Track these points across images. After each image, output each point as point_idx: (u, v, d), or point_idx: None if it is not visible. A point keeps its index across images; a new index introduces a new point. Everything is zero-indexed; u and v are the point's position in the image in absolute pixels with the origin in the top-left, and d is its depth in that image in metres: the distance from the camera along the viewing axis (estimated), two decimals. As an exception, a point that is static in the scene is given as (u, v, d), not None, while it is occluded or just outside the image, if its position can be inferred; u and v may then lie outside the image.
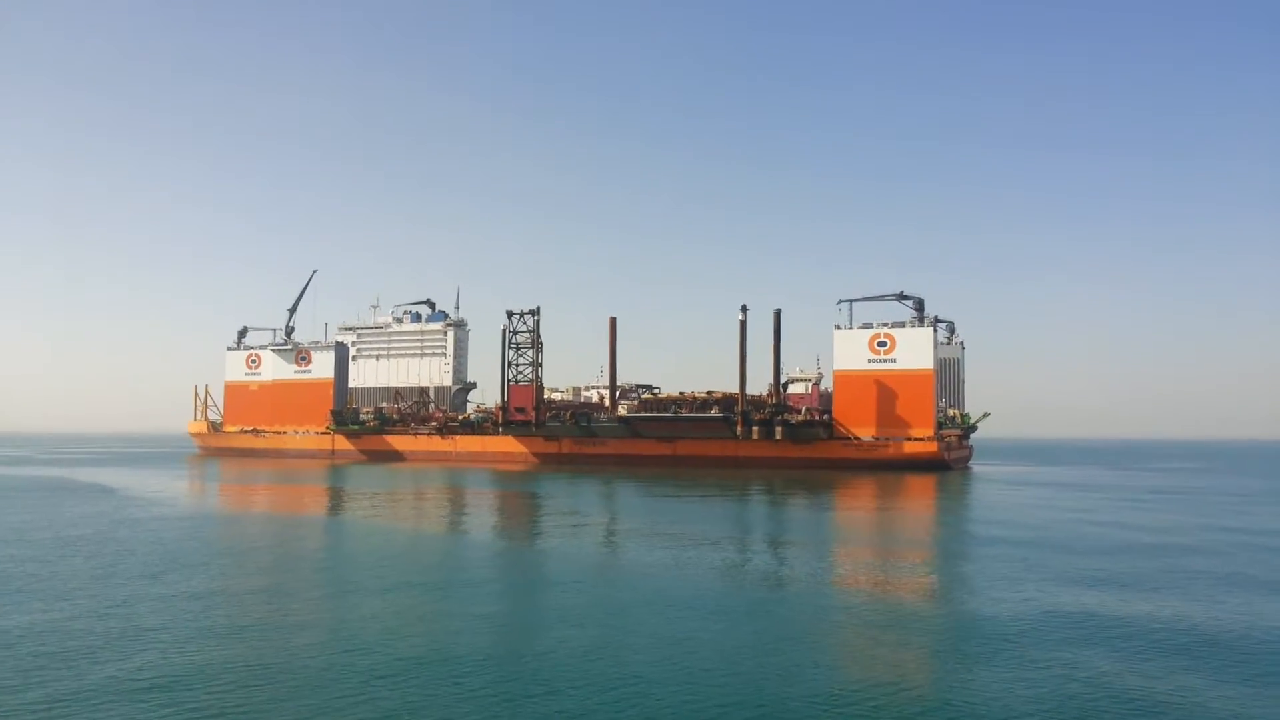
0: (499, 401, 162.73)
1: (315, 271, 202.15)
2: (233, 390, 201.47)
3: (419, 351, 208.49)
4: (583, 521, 63.11)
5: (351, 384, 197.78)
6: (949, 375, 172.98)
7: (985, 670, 24.24)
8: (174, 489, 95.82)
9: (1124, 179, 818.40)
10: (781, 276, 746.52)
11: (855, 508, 78.90)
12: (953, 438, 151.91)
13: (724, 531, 56.83)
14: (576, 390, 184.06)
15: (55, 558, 43.03)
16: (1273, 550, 50.67)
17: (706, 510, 74.14)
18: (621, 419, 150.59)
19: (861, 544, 53.61)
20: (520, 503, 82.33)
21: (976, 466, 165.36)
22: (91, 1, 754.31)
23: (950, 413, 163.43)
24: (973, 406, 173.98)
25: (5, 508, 70.33)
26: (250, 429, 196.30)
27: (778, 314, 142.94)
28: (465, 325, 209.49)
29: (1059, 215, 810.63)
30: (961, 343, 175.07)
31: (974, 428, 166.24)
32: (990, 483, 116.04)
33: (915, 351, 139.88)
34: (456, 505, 79.41)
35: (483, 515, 71.09)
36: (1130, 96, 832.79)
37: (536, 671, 23.87)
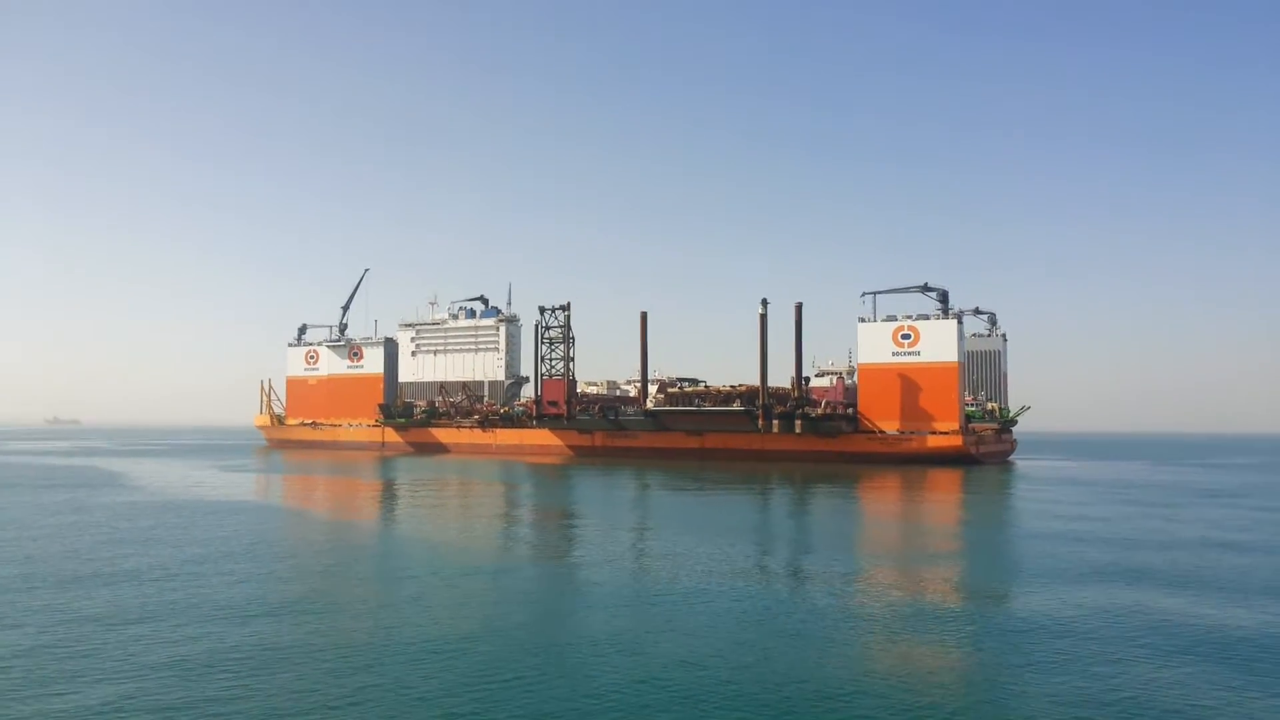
0: (532, 395, 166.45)
1: (367, 270, 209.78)
2: (293, 385, 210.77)
3: (474, 347, 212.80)
4: (601, 526, 61.79)
5: (411, 378, 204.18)
6: (990, 368, 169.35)
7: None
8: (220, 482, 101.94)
9: (1167, 172, 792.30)
10: (814, 269, 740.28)
11: (848, 509, 78.87)
12: (987, 431, 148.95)
13: (716, 540, 55.46)
14: (613, 384, 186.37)
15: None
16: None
17: (707, 510, 73.13)
18: (648, 412, 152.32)
19: (840, 552, 53.97)
20: (541, 502, 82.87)
21: (1020, 461, 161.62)
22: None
23: (989, 406, 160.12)
24: (1017, 400, 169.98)
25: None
26: (309, 422, 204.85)
27: (799, 307, 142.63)
28: (517, 320, 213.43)
29: (1107, 208, 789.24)
30: (1003, 334, 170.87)
31: (1014, 421, 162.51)
32: (1021, 480, 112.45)
33: (939, 344, 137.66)
34: (477, 504, 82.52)
35: (503, 516, 73.62)
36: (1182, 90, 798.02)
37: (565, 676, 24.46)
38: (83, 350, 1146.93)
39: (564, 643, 27.69)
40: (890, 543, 53.82)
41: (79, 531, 52.39)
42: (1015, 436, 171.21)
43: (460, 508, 71.85)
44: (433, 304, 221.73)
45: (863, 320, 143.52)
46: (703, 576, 38.36)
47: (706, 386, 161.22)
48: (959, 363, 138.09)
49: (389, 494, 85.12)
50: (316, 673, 23.92)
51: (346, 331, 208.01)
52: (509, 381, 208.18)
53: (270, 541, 49.63)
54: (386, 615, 31.00)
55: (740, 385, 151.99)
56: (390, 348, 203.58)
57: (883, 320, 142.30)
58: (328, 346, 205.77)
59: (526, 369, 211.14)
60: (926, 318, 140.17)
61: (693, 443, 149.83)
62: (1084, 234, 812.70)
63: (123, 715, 20.53)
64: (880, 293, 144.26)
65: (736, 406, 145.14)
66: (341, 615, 30.97)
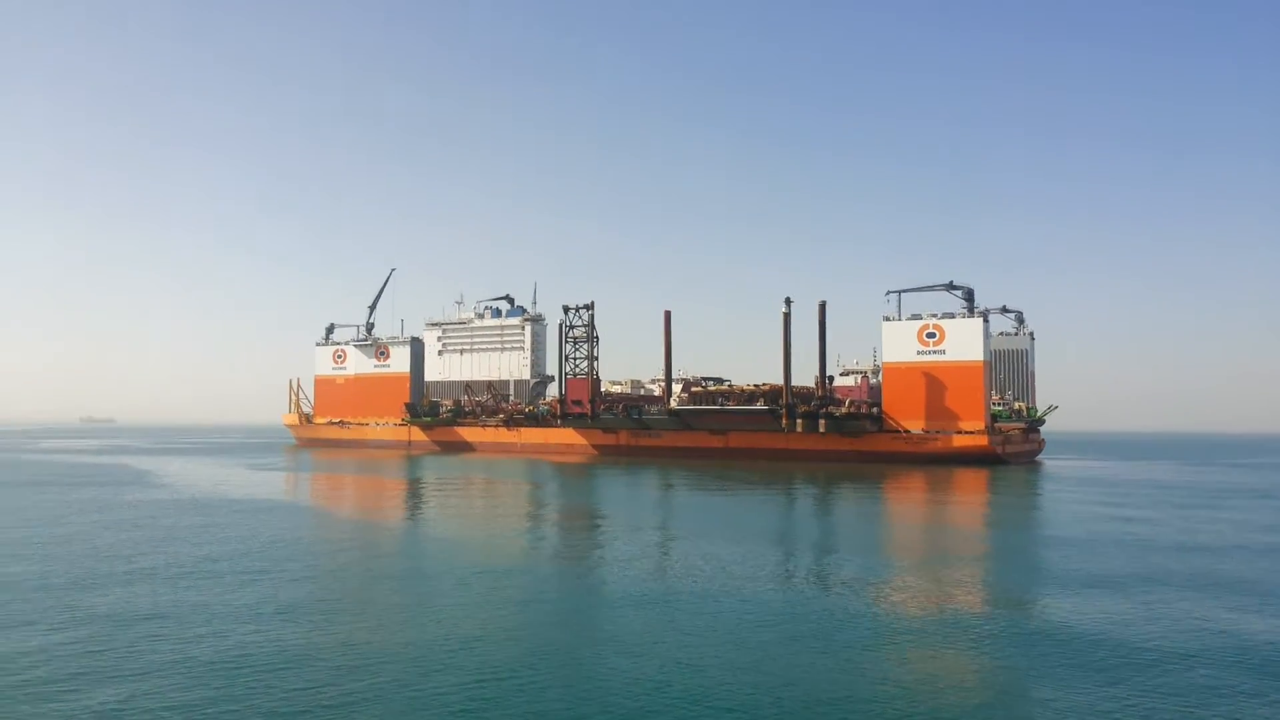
0: (557, 394, 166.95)
1: (394, 270, 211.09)
2: (322, 384, 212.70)
3: (499, 346, 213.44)
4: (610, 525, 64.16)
5: (437, 377, 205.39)
6: (1017, 367, 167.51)
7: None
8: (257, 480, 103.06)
9: (1204, 171, 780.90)
10: (839, 268, 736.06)
11: (871, 511, 78.28)
12: (1014, 431, 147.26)
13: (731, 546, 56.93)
14: (637, 383, 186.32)
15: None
16: None
17: (729, 511, 73.63)
18: (671, 411, 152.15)
19: (854, 555, 53.77)
20: (563, 501, 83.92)
21: (1048, 461, 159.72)
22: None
23: (1016, 405, 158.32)
24: (1045, 399, 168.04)
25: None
26: (336, 420, 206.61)
27: (822, 306, 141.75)
28: (542, 320, 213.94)
29: (1141, 206, 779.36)
30: (1031, 333, 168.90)
31: (1041, 420, 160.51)
32: (1048, 480, 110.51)
33: (965, 343, 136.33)
34: (499, 503, 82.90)
35: (528, 514, 73.99)
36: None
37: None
38: (118, 351, 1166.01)
39: (569, 644, 27.63)
40: (912, 545, 53.26)
41: (101, 529, 53.14)
42: (1043, 436, 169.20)
43: (482, 507, 72.12)
44: (459, 303, 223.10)
45: (887, 319, 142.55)
46: (718, 579, 38.17)
47: (730, 386, 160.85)
48: (985, 361, 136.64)
49: (412, 493, 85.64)
50: (317, 672, 24.03)
51: (373, 331, 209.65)
52: (534, 380, 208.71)
53: (289, 540, 50.04)
54: (394, 615, 31.13)
55: (764, 384, 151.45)
56: (416, 347, 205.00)
57: (908, 319, 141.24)
58: (355, 346, 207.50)
59: (551, 368, 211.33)
60: (952, 316, 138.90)
61: (716, 442, 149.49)
62: (1116, 232, 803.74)
63: (126, 714, 20.71)
64: (905, 291, 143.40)
65: (760, 406, 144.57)
66: (350, 615, 31.13)
